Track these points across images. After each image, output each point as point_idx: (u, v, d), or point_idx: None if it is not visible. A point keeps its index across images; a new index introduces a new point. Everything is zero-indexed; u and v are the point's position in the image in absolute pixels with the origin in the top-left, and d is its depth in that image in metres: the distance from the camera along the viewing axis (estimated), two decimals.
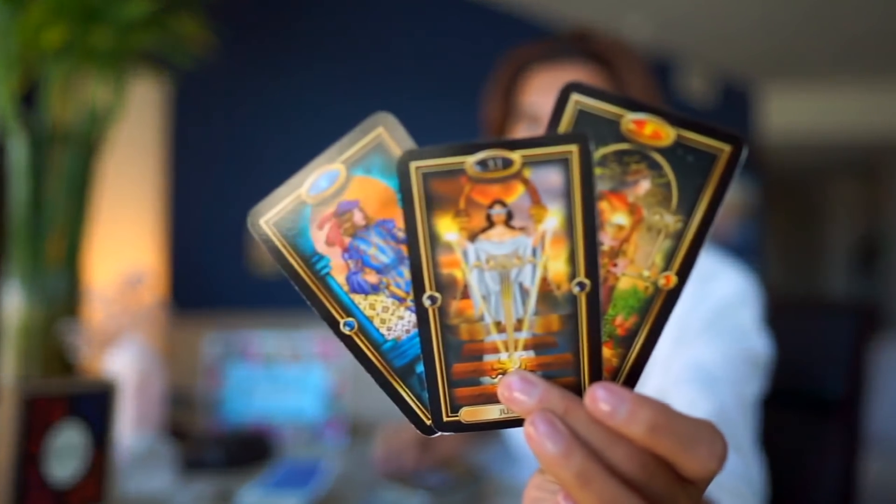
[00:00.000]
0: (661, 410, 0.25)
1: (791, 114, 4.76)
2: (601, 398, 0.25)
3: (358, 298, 0.29)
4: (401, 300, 0.29)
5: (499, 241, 0.28)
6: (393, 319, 0.29)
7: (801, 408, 0.98)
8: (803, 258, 7.58)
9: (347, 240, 0.29)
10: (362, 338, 0.29)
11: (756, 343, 0.74)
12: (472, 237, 0.27)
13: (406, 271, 0.29)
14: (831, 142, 5.02)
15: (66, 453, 0.64)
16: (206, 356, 1.05)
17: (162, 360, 0.92)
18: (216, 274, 2.58)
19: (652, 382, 0.73)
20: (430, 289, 0.28)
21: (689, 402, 0.65)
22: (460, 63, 3.30)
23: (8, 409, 0.60)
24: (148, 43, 1.05)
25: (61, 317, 0.93)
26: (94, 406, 0.66)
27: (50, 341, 0.92)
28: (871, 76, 4.47)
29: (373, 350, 0.30)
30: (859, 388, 0.92)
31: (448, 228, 0.28)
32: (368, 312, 0.29)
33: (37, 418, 0.61)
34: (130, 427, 0.87)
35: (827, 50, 4.03)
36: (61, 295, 0.94)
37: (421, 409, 0.30)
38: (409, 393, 0.30)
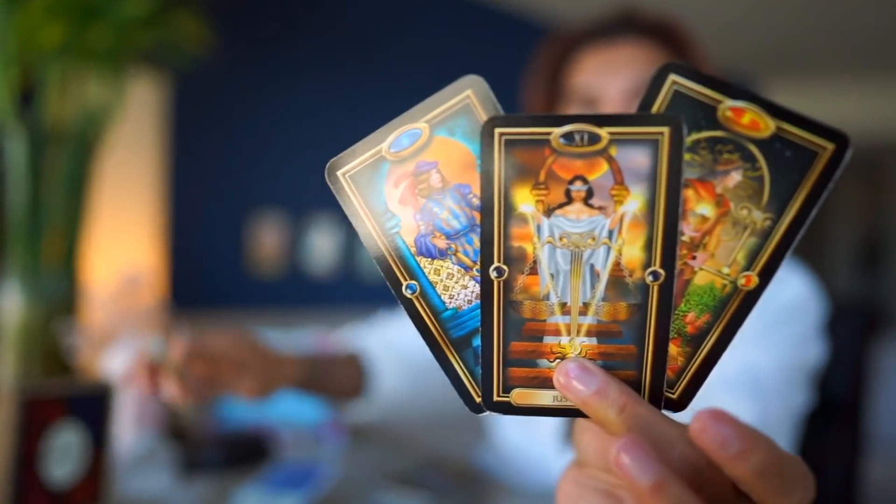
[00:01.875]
0: (773, 452, 0.22)
1: None
2: (710, 428, 0.22)
3: (424, 262, 0.29)
4: (467, 269, 0.28)
5: (575, 219, 0.26)
6: (456, 288, 0.29)
7: (810, 410, 0.98)
8: (805, 259, 7.57)
9: (422, 201, 0.28)
10: (423, 303, 0.29)
11: (812, 353, 0.72)
12: (549, 211, 0.26)
13: (476, 239, 0.28)
14: None
15: (64, 454, 0.63)
16: None
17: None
18: (215, 273, 2.57)
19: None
20: (498, 260, 0.27)
21: (734, 406, 0.63)
22: (459, 63, 3.29)
23: (6, 410, 0.60)
24: (147, 42, 1.05)
25: (60, 317, 0.93)
26: (93, 407, 0.66)
27: (48, 341, 0.92)
28: (876, 76, 4.47)
29: (432, 317, 0.29)
30: (862, 389, 0.92)
31: (525, 200, 0.27)
32: (432, 277, 0.29)
33: (35, 419, 0.61)
34: (129, 428, 0.86)
35: (830, 49, 4.03)
36: (60, 295, 0.93)
37: (472, 385, 0.29)
38: (463, 366, 0.29)
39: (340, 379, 0.80)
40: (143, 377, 0.59)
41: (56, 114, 0.97)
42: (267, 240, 2.67)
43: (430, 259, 0.29)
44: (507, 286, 0.27)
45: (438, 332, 0.29)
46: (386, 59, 3.03)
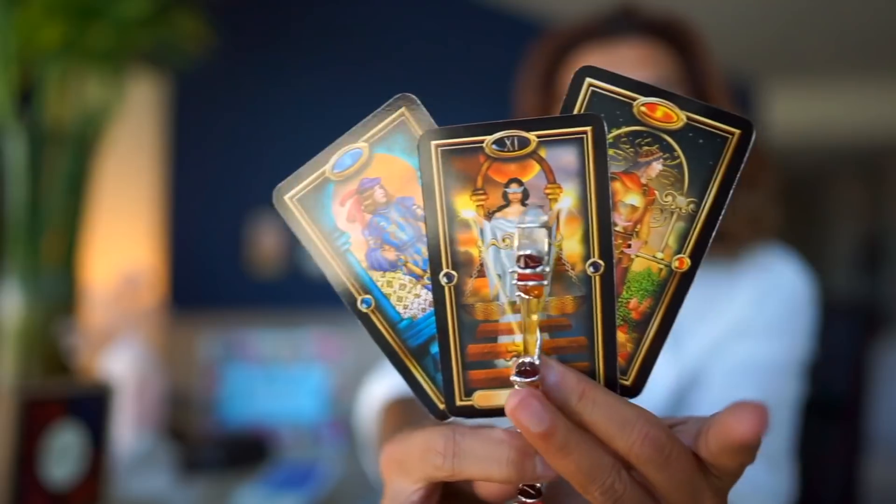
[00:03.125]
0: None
1: (794, 113, 4.75)
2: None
3: (376, 276, 0.30)
4: (418, 278, 0.29)
5: (514, 220, 0.28)
6: (409, 297, 0.30)
7: (804, 409, 0.98)
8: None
9: (368, 216, 0.30)
10: (379, 315, 0.30)
11: (808, 345, 0.72)
12: (489, 215, 0.28)
13: (424, 249, 0.29)
14: (835, 141, 5.01)
15: (63, 455, 0.63)
16: (205, 357, 1.04)
17: (160, 361, 0.92)
18: (215, 274, 2.57)
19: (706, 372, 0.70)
20: (447, 266, 0.28)
21: (735, 396, 0.64)
22: (459, 63, 3.29)
23: (6, 411, 0.60)
24: (146, 42, 1.04)
25: (59, 317, 0.93)
26: (92, 407, 0.66)
27: (48, 342, 0.91)
28: (876, 75, 4.46)
29: (388, 328, 0.30)
30: (862, 389, 0.91)
31: (465, 206, 0.28)
32: (386, 290, 0.30)
33: (34, 420, 0.61)
34: (129, 428, 0.86)
35: (831, 49, 4.03)
36: (59, 295, 0.93)
37: (435, 392, 0.29)
38: (424, 374, 0.30)
39: None
40: None
41: (56, 113, 0.97)
42: (266, 240, 2.67)
43: (381, 272, 0.30)
44: (458, 291, 0.28)
45: (396, 342, 0.29)
46: (386, 58, 3.03)
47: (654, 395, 0.69)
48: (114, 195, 1.71)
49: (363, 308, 0.30)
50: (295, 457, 0.93)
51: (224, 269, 2.60)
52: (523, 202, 0.28)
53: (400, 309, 0.29)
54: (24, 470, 0.60)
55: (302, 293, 2.77)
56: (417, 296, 0.29)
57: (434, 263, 0.28)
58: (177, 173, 2.44)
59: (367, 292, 0.30)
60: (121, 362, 0.87)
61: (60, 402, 0.63)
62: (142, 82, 1.81)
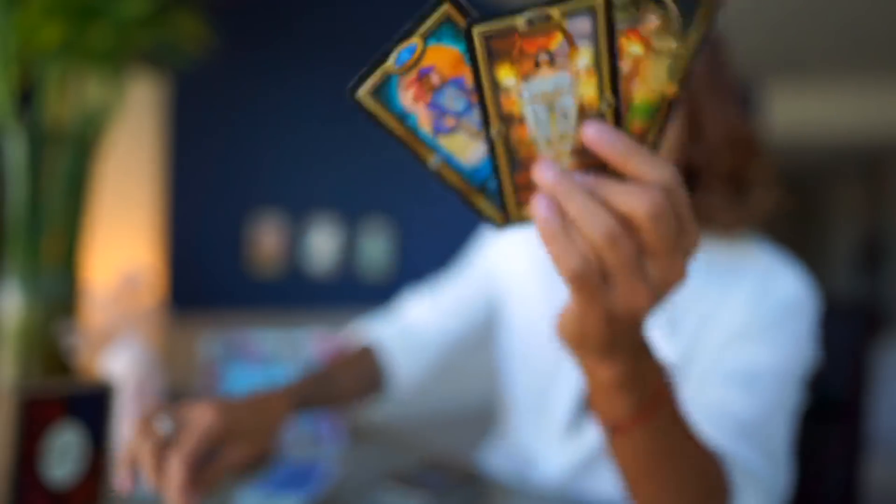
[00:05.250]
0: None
1: (795, 114, 4.75)
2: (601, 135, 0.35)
3: (443, 140, 0.39)
4: (474, 136, 0.39)
5: (545, 79, 0.36)
6: (468, 151, 0.39)
7: (804, 409, 0.98)
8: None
9: (429, 96, 0.38)
10: (448, 168, 0.39)
11: (808, 353, 0.72)
12: (525, 79, 0.36)
13: (477, 114, 0.38)
14: (834, 142, 5.01)
15: (63, 454, 0.63)
16: (205, 356, 1.04)
17: (160, 360, 0.92)
18: (214, 274, 2.57)
19: (697, 368, 0.73)
20: (497, 124, 0.37)
21: (731, 400, 0.65)
22: None
23: (6, 410, 0.60)
24: (146, 42, 1.05)
25: (59, 317, 0.93)
26: (92, 407, 0.66)
27: (48, 342, 0.92)
28: (876, 76, 4.47)
29: (457, 175, 0.39)
30: (862, 390, 0.92)
31: (506, 75, 0.36)
32: (450, 149, 0.39)
33: (34, 419, 0.61)
34: (129, 428, 0.86)
35: (831, 50, 4.03)
36: (59, 295, 0.93)
37: (496, 214, 0.40)
38: (486, 203, 0.40)
39: (351, 382, 0.81)
40: (127, 469, 0.57)
41: (56, 113, 0.97)
42: (266, 240, 2.67)
43: (445, 135, 0.39)
44: (507, 140, 0.38)
45: (464, 184, 0.39)
46: None
47: None
48: (114, 195, 1.71)
49: (436, 163, 0.39)
50: (295, 457, 0.93)
51: (224, 268, 2.60)
52: (551, 65, 0.36)
53: (462, 161, 0.39)
54: (24, 469, 0.60)
55: (302, 293, 2.77)
56: (475, 149, 0.39)
57: (486, 123, 0.37)
58: (176, 173, 2.44)
59: (436, 152, 0.39)
60: (120, 362, 0.87)
61: (60, 401, 0.63)
62: (142, 82, 1.81)
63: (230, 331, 2.49)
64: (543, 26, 0.35)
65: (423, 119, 0.38)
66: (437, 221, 3.16)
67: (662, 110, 0.36)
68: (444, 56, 0.37)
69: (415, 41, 0.37)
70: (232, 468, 0.60)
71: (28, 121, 0.95)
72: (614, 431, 0.45)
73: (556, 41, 0.35)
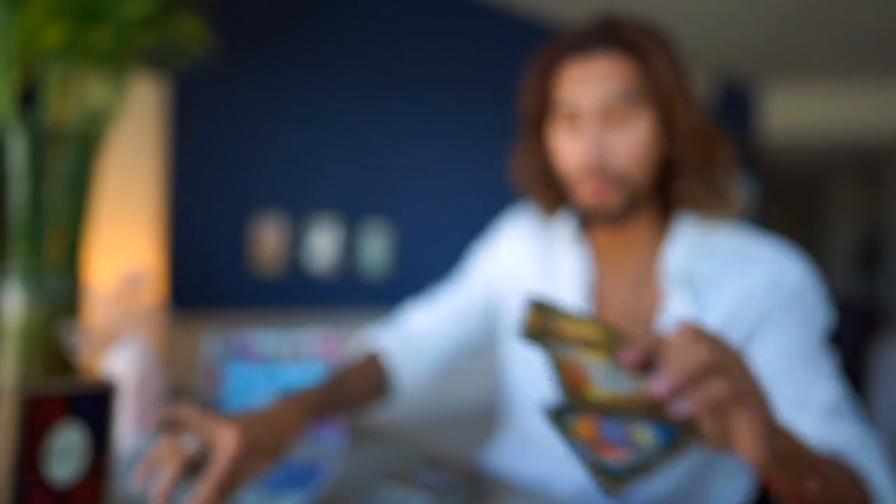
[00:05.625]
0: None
1: (792, 114, 4.75)
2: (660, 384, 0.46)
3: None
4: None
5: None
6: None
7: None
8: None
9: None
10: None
11: (825, 319, 0.81)
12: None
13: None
14: (833, 142, 5.01)
15: (65, 454, 0.64)
16: (206, 356, 1.04)
17: (162, 360, 0.92)
18: (216, 274, 2.58)
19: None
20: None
21: (802, 390, 0.74)
22: (460, 65, 3.29)
23: (7, 410, 0.60)
24: (148, 43, 1.05)
25: (61, 317, 0.93)
26: (94, 406, 0.66)
27: (50, 341, 0.92)
28: (874, 76, 4.47)
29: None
30: (861, 388, 0.92)
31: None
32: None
33: (36, 419, 0.61)
34: (130, 427, 0.87)
35: (829, 50, 4.03)
36: (61, 295, 0.94)
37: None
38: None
39: (359, 389, 0.85)
40: (145, 472, 0.62)
41: (57, 114, 0.98)
42: (267, 240, 2.68)
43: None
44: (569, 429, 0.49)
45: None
46: (387, 61, 3.04)
47: None
48: (115, 195, 1.71)
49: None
50: (295, 456, 0.93)
51: (225, 268, 2.60)
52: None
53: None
54: (25, 468, 0.60)
55: (303, 293, 2.77)
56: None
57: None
58: (178, 173, 2.45)
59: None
60: (122, 361, 0.88)
61: (62, 400, 0.63)
62: (143, 83, 1.82)
63: (231, 330, 2.49)
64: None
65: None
66: (436, 222, 3.16)
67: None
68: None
69: None
70: (248, 481, 0.63)
71: (30, 121, 0.95)
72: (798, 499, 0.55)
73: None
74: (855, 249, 7.02)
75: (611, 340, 0.46)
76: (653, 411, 0.46)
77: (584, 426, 0.48)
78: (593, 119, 0.79)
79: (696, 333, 0.46)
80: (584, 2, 3.46)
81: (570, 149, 0.81)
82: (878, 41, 3.87)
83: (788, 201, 7.42)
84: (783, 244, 0.84)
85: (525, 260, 0.95)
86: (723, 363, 0.45)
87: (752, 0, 3.37)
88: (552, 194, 0.90)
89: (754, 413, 0.46)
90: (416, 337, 0.98)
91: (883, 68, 4.33)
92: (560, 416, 0.48)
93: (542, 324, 0.47)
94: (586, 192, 0.81)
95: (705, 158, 0.81)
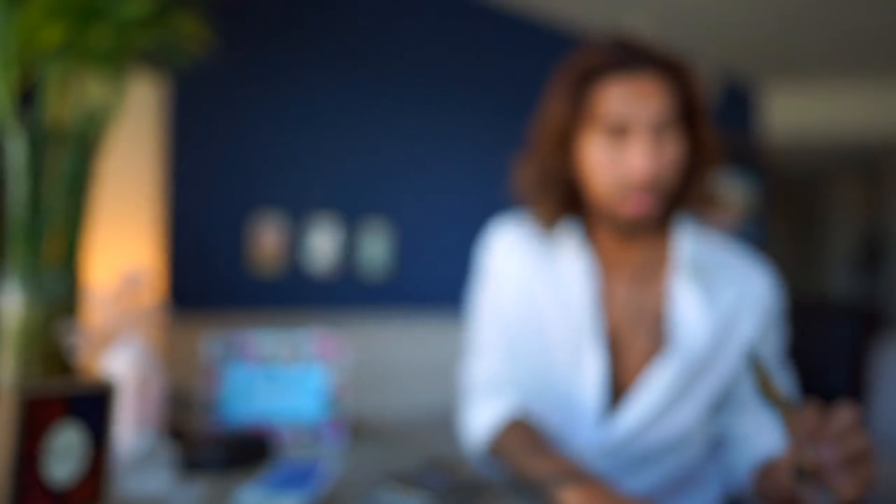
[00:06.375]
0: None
1: (793, 114, 4.75)
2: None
3: None
4: None
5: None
6: None
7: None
8: (805, 259, 7.58)
9: None
10: None
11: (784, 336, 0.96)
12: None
13: None
14: (834, 142, 5.01)
15: (64, 454, 0.64)
16: (205, 356, 1.04)
17: (161, 361, 0.92)
18: (215, 274, 2.57)
19: (734, 345, 0.88)
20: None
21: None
22: (460, 66, 3.29)
23: (6, 410, 0.60)
24: (147, 42, 1.05)
25: (60, 317, 0.93)
26: (93, 407, 0.66)
27: (48, 341, 0.92)
28: (875, 76, 4.47)
29: None
30: (861, 388, 0.92)
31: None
32: None
33: (35, 419, 0.61)
34: (129, 428, 0.87)
35: (830, 49, 4.03)
36: (60, 295, 0.93)
37: None
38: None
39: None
40: None
41: (56, 113, 0.98)
42: (267, 240, 2.67)
43: None
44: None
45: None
46: (387, 60, 3.03)
47: (696, 344, 0.86)
48: (114, 195, 1.71)
49: None
50: (295, 457, 0.93)
51: (224, 268, 2.60)
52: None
53: None
54: (24, 469, 0.60)
55: (302, 293, 2.77)
56: None
57: None
58: (177, 173, 2.44)
59: None
60: (121, 362, 0.88)
61: (61, 401, 0.63)
62: (142, 82, 1.82)
63: (230, 331, 2.49)
64: None
65: None
66: (437, 223, 3.16)
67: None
68: None
69: None
70: None
71: (29, 120, 0.95)
72: None
73: None
74: (855, 249, 7.02)
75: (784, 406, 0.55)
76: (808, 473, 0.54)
77: None
78: (648, 134, 0.82)
79: (860, 418, 0.56)
80: (584, 3, 3.46)
81: (614, 162, 0.84)
82: (878, 42, 3.87)
83: (789, 201, 7.42)
84: (756, 257, 0.95)
85: (526, 268, 0.96)
86: (873, 451, 0.55)
87: (752, 1, 3.37)
88: (561, 204, 0.91)
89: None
90: (512, 390, 0.97)
91: (883, 69, 4.33)
92: None
93: None
94: (635, 204, 0.84)
95: (710, 169, 0.90)
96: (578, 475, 0.71)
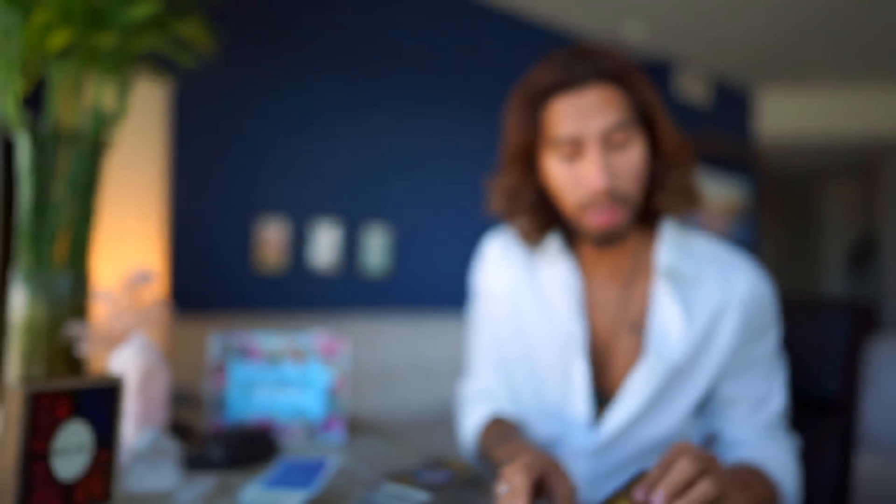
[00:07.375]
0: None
1: (786, 115, 4.76)
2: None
3: None
4: None
5: None
6: None
7: (797, 406, 0.99)
8: (798, 259, 7.57)
9: None
10: None
11: (781, 331, 0.98)
12: None
13: None
14: (826, 143, 5.02)
15: (71, 451, 0.65)
16: (210, 355, 1.06)
17: (165, 359, 0.93)
18: (219, 273, 2.59)
19: (714, 355, 0.88)
20: None
21: (765, 395, 0.89)
22: (460, 67, 3.30)
23: (14, 407, 0.61)
24: (152, 45, 1.06)
25: (67, 316, 0.94)
26: (100, 403, 0.67)
27: (55, 340, 0.93)
28: (866, 78, 4.48)
29: None
30: (855, 386, 0.93)
31: None
32: None
33: (42, 416, 0.62)
34: (134, 425, 0.88)
35: (822, 52, 4.04)
36: (67, 294, 0.95)
37: None
38: None
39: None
40: None
41: (63, 116, 0.99)
42: (270, 240, 2.69)
43: None
44: None
45: None
46: (388, 64, 3.04)
47: (675, 351, 0.87)
48: (119, 196, 1.72)
49: None
50: (297, 454, 0.94)
51: (228, 269, 2.61)
52: None
53: None
54: (32, 465, 0.61)
55: (304, 294, 2.78)
56: None
57: None
58: (181, 175, 2.46)
59: None
60: (127, 360, 0.89)
61: (68, 397, 0.64)
62: (147, 85, 1.83)
63: (234, 330, 2.50)
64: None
65: None
66: (437, 224, 3.17)
67: None
68: None
69: None
70: None
71: (36, 123, 0.96)
72: None
73: None
74: (849, 250, 7.02)
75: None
76: None
77: None
78: (598, 148, 0.83)
79: (684, 447, 0.58)
80: (583, 3, 3.47)
81: (573, 178, 0.86)
82: (872, 44, 3.88)
83: (783, 201, 7.42)
84: (747, 255, 0.91)
85: (514, 282, 0.98)
86: (706, 468, 0.56)
87: (748, 4, 3.38)
88: (537, 220, 0.93)
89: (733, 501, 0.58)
90: (501, 399, 1.01)
91: (876, 71, 4.34)
92: None
93: None
94: (597, 217, 0.85)
95: (679, 166, 0.89)
96: (521, 453, 0.73)
